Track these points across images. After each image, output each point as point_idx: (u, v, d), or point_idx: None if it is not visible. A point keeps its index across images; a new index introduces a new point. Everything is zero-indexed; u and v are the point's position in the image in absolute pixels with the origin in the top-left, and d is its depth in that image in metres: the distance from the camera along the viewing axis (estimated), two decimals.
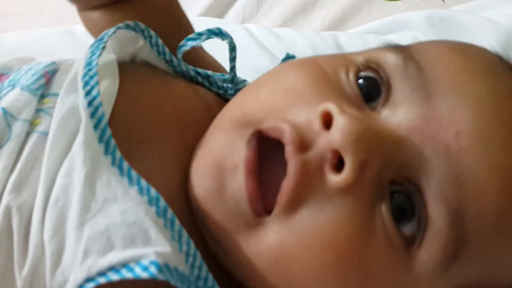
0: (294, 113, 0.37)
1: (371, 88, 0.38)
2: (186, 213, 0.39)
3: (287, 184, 0.35)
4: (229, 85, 0.50)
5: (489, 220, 0.35)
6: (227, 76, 0.49)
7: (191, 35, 0.47)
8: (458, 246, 0.35)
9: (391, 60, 0.38)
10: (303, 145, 0.35)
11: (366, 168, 0.35)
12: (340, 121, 0.34)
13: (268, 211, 0.36)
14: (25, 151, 0.39)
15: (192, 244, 0.37)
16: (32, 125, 0.40)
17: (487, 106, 0.37)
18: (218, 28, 0.47)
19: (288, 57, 0.51)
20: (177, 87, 0.48)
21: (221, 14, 0.82)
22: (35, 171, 0.38)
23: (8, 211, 0.36)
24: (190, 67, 0.48)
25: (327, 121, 0.35)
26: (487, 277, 0.37)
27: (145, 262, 0.35)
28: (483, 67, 0.39)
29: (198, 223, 0.39)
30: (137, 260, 0.35)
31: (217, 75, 0.49)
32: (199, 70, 0.49)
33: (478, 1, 0.71)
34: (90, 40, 0.68)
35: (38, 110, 0.41)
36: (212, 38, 0.47)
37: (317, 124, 0.35)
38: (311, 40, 0.66)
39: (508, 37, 0.58)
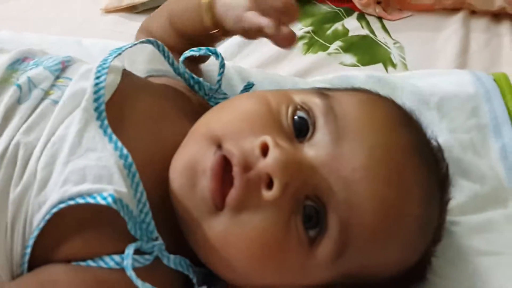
0: (243, 138, 0.48)
1: (303, 126, 0.50)
2: (152, 182, 0.49)
3: (233, 193, 0.47)
4: (214, 95, 0.62)
5: (366, 232, 0.47)
6: (213, 87, 0.62)
7: (193, 48, 0.59)
8: (344, 246, 0.47)
9: (319, 106, 0.50)
10: (246, 167, 0.47)
11: (288, 188, 0.46)
12: (273, 153, 0.46)
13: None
14: (38, 109, 0.51)
15: (145, 195, 0.48)
16: (46, 94, 0.52)
17: (377, 152, 0.48)
18: (215, 49, 0.60)
19: (249, 85, 0.65)
20: (166, 91, 0.60)
21: None
22: (42, 124, 0.50)
23: (17, 146, 0.48)
24: (187, 70, 0.61)
25: (264, 150, 0.47)
26: (363, 268, 0.50)
27: (105, 194, 0.46)
28: (382, 122, 0.51)
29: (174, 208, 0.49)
30: (99, 192, 0.46)
31: (206, 83, 0.62)
32: (193, 75, 0.61)
33: (408, 72, 0.87)
34: (94, 50, 0.82)
35: (52, 85, 0.53)
36: (208, 54, 0.60)
37: (257, 152, 0.47)
38: (275, 78, 0.79)
39: (420, 97, 0.74)
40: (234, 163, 0.47)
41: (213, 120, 0.53)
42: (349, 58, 0.95)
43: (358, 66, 0.94)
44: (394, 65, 0.94)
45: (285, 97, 0.52)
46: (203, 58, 0.69)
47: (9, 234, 0.47)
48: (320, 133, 0.49)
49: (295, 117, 0.50)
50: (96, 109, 0.50)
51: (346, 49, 0.97)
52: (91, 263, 0.47)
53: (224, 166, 0.48)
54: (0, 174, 0.47)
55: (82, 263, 0.47)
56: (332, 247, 0.48)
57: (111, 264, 0.47)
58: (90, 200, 0.46)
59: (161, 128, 0.55)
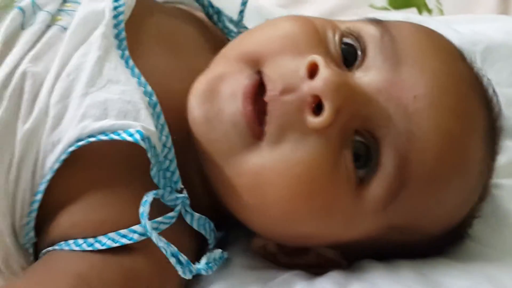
0: (285, 58, 0.43)
1: (350, 54, 0.44)
2: (170, 124, 0.44)
3: (273, 119, 0.41)
4: (234, 29, 0.56)
5: (426, 170, 0.42)
6: (234, 19, 0.56)
7: None
8: (399, 187, 0.42)
9: (370, 32, 0.45)
10: (285, 90, 0.41)
11: (340, 115, 0.41)
12: (324, 72, 0.40)
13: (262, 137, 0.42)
14: (45, 36, 0.45)
15: (170, 139, 0.43)
16: (53, 20, 0.46)
17: (441, 79, 0.43)
18: None
19: None
20: (187, 16, 0.55)
21: None
22: (51, 53, 0.44)
23: (23, 75, 0.43)
24: None
25: (312, 71, 0.41)
26: (414, 220, 0.45)
27: (132, 130, 0.40)
28: (442, 49, 0.47)
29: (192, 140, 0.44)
30: (125, 129, 0.40)
31: (226, 14, 0.56)
32: (213, 3, 0.56)
33: (449, 17, 0.80)
34: None
35: (60, 10, 0.46)
36: None
37: (303, 72, 0.41)
38: None
39: (467, 47, 0.67)
40: (269, 87, 0.42)
41: (246, 40, 0.47)
42: (380, 1, 0.89)
43: (389, 9, 0.87)
44: (429, 10, 0.87)
45: (330, 23, 0.47)
46: None
47: (12, 177, 0.42)
48: (374, 58, 0.44)
49: (342, 44, 0.45)
50: (116, 36, 0.45)
51: None
52: (108, 242, 0.41)
53: (258, 91, 0.42)
54: (3, 105, 0.42)
55: (99, 245, 0.41)
56: (385, 187, 0.42)
57: (135, 236, 0.40)
58: (115, 137, 0.40)
59: (179, 59, 0.49)
